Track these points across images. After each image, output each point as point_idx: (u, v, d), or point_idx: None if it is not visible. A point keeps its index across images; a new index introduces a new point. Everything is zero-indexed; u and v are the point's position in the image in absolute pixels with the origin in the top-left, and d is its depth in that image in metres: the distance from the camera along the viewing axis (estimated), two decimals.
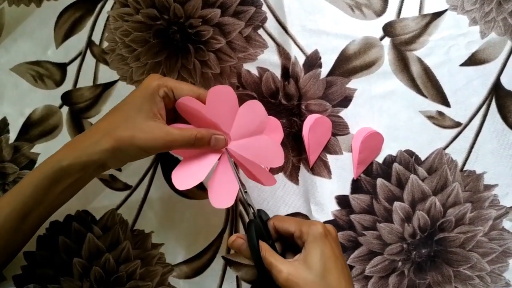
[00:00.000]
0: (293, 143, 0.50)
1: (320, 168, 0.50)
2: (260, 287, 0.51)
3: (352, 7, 0.49)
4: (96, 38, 0.52)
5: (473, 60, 0.49)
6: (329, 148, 0.50)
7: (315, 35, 0.49)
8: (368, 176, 0.50)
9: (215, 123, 0.42)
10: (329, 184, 0.50)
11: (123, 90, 0.52)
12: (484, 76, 0.49)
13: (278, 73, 0.50)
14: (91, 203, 0.52)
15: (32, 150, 0.53)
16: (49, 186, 0.41)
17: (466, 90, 0.49)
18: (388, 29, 0.49)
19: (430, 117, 0.50)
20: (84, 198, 0.51)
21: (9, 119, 0.53)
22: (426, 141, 0.50)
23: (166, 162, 0.52)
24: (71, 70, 0.52)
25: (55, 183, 0.41)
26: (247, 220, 0.51)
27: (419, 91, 0.49)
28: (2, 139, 0.53)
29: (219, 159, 0.43)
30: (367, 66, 0.49)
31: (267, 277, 0.40)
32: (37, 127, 0.53)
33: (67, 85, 0.53)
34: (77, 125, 0.52)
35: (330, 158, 0.50)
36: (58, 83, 0.53)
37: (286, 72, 0.50)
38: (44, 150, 0.53)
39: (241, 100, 0.43)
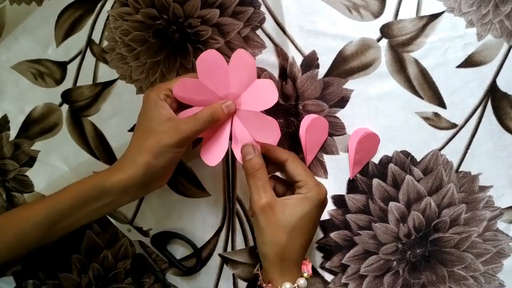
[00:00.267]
0: (290, 143, 0.50)
1: (317, 167, 0.51)
2: None
3: (350, 8, 0.49)
4: (96, 37, 0.52)
5: (470, 62, 0.49)
6: (325, 148, 0.51)
7: (312, 36, 0.50)
8: (364, 176, 0.51)
9: (214, 91, 0.44)
10: (325, 183, 0.49)
11: (122, 88, 0.52)
12: (480, 78, 0.49)
13: (276, 73, 0.50)
14: None
15: (32, 148, 0.54)
16: (87, 201, 0.42)
17: (462, 91, 0.49)
18: (385, 31, 0.49)
19: (426, 118, 0.50)
20: None
21: (10, 116, 0.54)
22: (422, 142, 0.50)
23: None
24: (71, 68, 0.53)
25: (93, 200, 0.42)
26: (244, 218, 0.52)
27: (415, 92, 0.50)
28: (3, 136, 0.54)
29: (231, 123, 0.46)
30: (364, 67, 0.50)
31: None
32: (37, 125, 0.54)
33: (67, 84, 0.53)
34: (77, 123, 0.53)
35: (327, 158, 0.51)
36: (58, 81, 0.53)
37: (284, 72, 0.50)
38: (44, 148, 0.53)
39: None
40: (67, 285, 0.53)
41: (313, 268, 0.51)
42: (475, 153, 0.50)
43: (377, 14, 0.49)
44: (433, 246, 0.50)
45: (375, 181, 0.50)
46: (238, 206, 0.52)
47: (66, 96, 0.53)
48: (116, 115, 0.53)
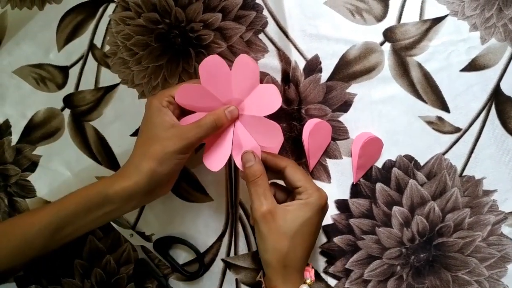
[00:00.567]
0: (293, 147, 0.50)
1: (320, 172, 0.51)
2: None
3: (353, 12, 0.49)
4: (98, 41, 0.52)
5: (473, 66, 0.49)
6: (328, 153, 0.51)
7: (315, 40, 0.49)
8: (368, 181, 0.50)
9: (217, 97, 0.44)
10: (328, 188, 0.50)
11: (124, 93, 0.52)
12: (484, 81, 0.49)
13: (278, 77, 0.50)
14: None
15: (34, 152, 0.53)
16: (91, 208, 0.41)
17: (466, 95, 0.49)
18: (389, 34, 0.49)
19: (429, 122, 0.50)
20: None
21: (12, 121, 0.54)
22: (425, 146, 0.50)
23: None
24: (73, 73, 0.53)
25: (97, 207, 0.41)
26: (246, 223, 0.52)
27: (419, 96, 0.49)
28: (5, 141, 0.54)
29: (234, 128, 0.45)
30: (367, 71, 0.49)
31: None
32: (39, 130, 0.53)
33: (69, 88, 0.53)
34: (79, 128, 0.53)
35: (330, 163, 0.51)
36: (60, 86, 0.53)
37: (287, 76, 0.50)
38: (46, 153, 0.53)
39: None
40: None
41: (317, 273, 0.51)
42: (479, 157, 0.50)
43: (380, 18, 0.49)
44: (437, 250, 0.50)
45: (379, 185, 0.50)
46: (241, 211, 0.52)
47: (68, 101, 0.53)
48: (118, 120, 0.52)
